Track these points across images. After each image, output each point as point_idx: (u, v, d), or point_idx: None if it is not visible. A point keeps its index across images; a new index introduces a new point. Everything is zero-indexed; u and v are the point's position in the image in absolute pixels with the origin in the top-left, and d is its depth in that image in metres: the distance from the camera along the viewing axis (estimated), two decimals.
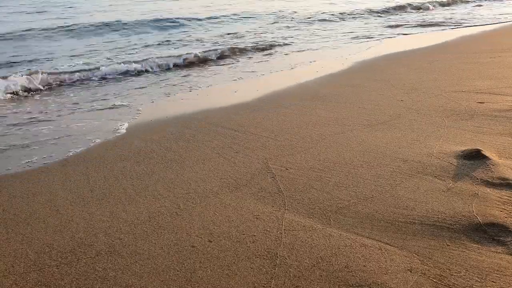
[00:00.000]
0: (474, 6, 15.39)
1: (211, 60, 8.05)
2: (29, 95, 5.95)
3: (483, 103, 4.37)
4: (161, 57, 7.86)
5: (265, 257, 2.16)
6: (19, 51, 9.05)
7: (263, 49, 8.94)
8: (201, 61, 7.89)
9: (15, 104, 5.54)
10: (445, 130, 3.72)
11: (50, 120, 4.75)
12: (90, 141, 4.01)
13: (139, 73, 7.09)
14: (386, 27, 11.65)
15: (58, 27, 11.60)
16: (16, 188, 3.09)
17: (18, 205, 2.84)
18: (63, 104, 5.46)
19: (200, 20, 13.09)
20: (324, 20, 13.15)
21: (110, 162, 3.48)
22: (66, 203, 2.83)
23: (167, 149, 3.69)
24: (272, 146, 3.60)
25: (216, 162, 3.35)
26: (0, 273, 2.14)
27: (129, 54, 8.59)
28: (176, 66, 7.50)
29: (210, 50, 8.49)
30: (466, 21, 11.84)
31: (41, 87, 6.17)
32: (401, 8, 15.01)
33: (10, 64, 7.80)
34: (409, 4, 15.41)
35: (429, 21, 12.30)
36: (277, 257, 2.15)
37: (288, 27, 12.07)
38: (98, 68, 7.09)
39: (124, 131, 4.27)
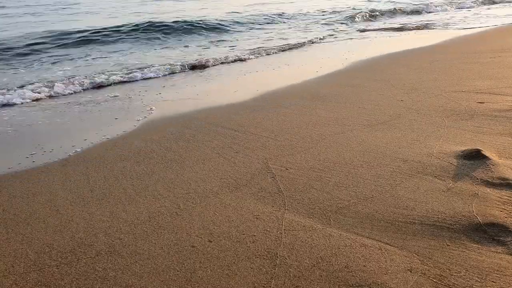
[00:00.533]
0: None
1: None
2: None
3: (483, 103, 4.37)
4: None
5: (265, 257, 2.16)
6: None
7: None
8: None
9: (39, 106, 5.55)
10: (445, 130, 3.72)
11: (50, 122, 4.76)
12: (89, 141, 4.01)
13: None
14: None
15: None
16: (16, 188, 3.09)
17: (18, 205, 2.84)
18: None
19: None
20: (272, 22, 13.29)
21: (110, 162, 3.48)
22: (66, 203, 2.83)
23: (167, 149, 3.69)
24: (272, 146, 3.60)
25: (216, 162, 3.35)
26: (0, 273, 2.14)
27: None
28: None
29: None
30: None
31: None
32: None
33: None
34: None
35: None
36: (277, 257, 2.15)
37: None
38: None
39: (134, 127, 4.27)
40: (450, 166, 3.00)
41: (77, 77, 6.67)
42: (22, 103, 5.58)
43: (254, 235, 2.35)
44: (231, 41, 10.40)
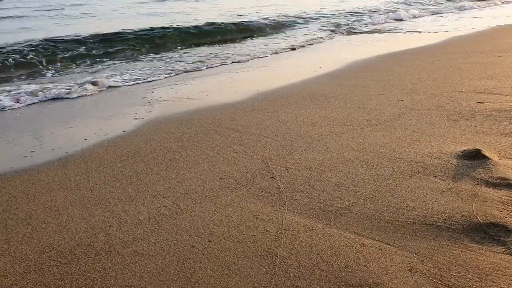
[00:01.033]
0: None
1: None
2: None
3: (483, 103, 4.37)
4: None
5: (265, 257, 2.16)
6: None
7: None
8: None
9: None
10: (445, 130, 3.72)
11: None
12: (89, 141, 4.01)
13: None
14: None
15: None
16: (16, 188, 3.09)
17: (18, 205, 2.84)
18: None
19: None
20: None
21: (110, 162, 3.48)
22: (66, 203, 2.83)
23: (167, 149, 3.69)
24: (272, 146, 3.60)
25: (216, 162, 3.35)
26: (0, 273, 2.14)
27: None
28: None
29: None
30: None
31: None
32: None
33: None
34: None
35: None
36: (277, 257, 2.15)
37: None
38: None
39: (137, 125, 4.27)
40: (450, 166, 3.00)
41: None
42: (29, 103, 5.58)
43: (254, 235, 2.35)
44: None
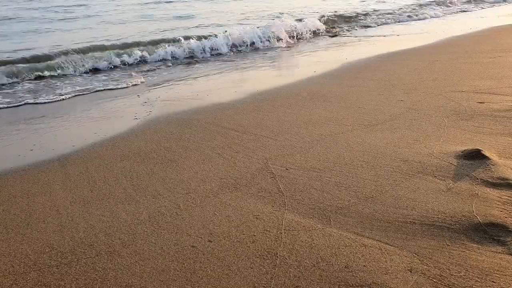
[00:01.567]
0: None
1: None
2: None
3: (483, 103, 4.37)
4: None
5: (265, 257, 2.16)
6: None
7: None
8: None
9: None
10: (445, 130, 3.72)
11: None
12: (89, 141, 4.01)
13: None
14: None
15: None
16: (16, 188, 3.09)
17: (18, 205, 2.84)
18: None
19: None
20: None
21: (110, 162, 3.48)
22: (66, 203, 2.83)
23: (167, 149, 3.69)
24: (272, 146, 3.60)
25: (216, 162, 3.35)
26: (0, 273, 2.14)
27: None
28: None
29: None
30: None
31: None
32: None
33: None
34: None
35: None
36: (277, 257, 2.15)
37: None
38: None
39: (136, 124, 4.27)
40: (450, 166, 3.00)
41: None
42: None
43: (254, 235, 2.35)
44: None
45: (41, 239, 2.42)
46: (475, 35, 9.39)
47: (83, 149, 3.81)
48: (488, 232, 2.24)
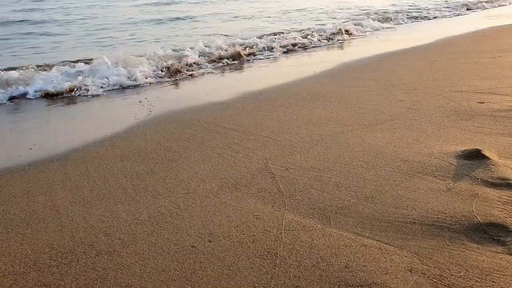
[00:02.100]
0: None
1: None
2: None
3: (483, 103, 4.37)
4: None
5: (265, 257, 2.16)
6: None
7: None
8: None
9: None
10: (445, 130, 3.72)
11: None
12: (89, 141, 4.01)
13: None
14: None
15: None
16: (16, 188, 3.09)
17: (18, 205, 2.84)
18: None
19: None
20: None
21: (110, 162, 3.48)
22: (66, 203, 2.83)
23: (167, 149, 3.69)
24: (272, 146, 3.60)
25: (216, 162, 3.35)
26: (0, 273, 2.14)
27: None
28: None
29: None
30: None
31: None
32: None
33: None
34: None
35: None
36: (277, 257, 2.15)
37: None
38: None
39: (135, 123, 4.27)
40: (450, 166, 3.00)
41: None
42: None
43: (254, 235, 2.35)
44: None
45: (41, 239, 2.42)
46: (475, 35, 9.39)
47: (83, 149, 3.81)
48: (488, 232, 2.24)
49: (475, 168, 2.92)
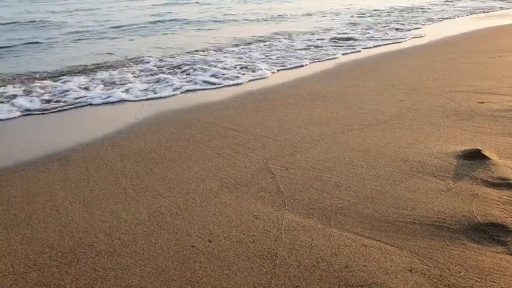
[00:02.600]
0: None
1: None
2: None
3: (483, 103, 4.37)
4: None
5: (265, 257, 2.16)
6: None
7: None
8: None
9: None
10: (445, 130, 3.72)
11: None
12: (89, 141, 4.01)
13: None
14: None
15: None
16: (16, 188, 3.09)
17: (18, 205, 2.84)
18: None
19: None
20: None
21: (110, 162, 3.48)
22: (66, 203, 2.83)
23: (167, 149, 3.69)
24: (272, 146, 3.60)
25: (216, 162, 3.35)
26: (0, 273, 2.14)
27: None
28: None
29: None
30: None
31: None
32: None
33: None
34: None
35: None
36: (277, 257, 2.15)
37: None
38: None
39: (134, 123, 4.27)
40: (450, 166, 3.00)
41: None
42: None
43: (254, 235, 2.35)
44: None
45: (41, 239, 2.42)
46: (474, 35, 9.39)
47: (83, 149, 3.81)
48: (488, 232, 2.24)
49: (475, 168, 2.92)
